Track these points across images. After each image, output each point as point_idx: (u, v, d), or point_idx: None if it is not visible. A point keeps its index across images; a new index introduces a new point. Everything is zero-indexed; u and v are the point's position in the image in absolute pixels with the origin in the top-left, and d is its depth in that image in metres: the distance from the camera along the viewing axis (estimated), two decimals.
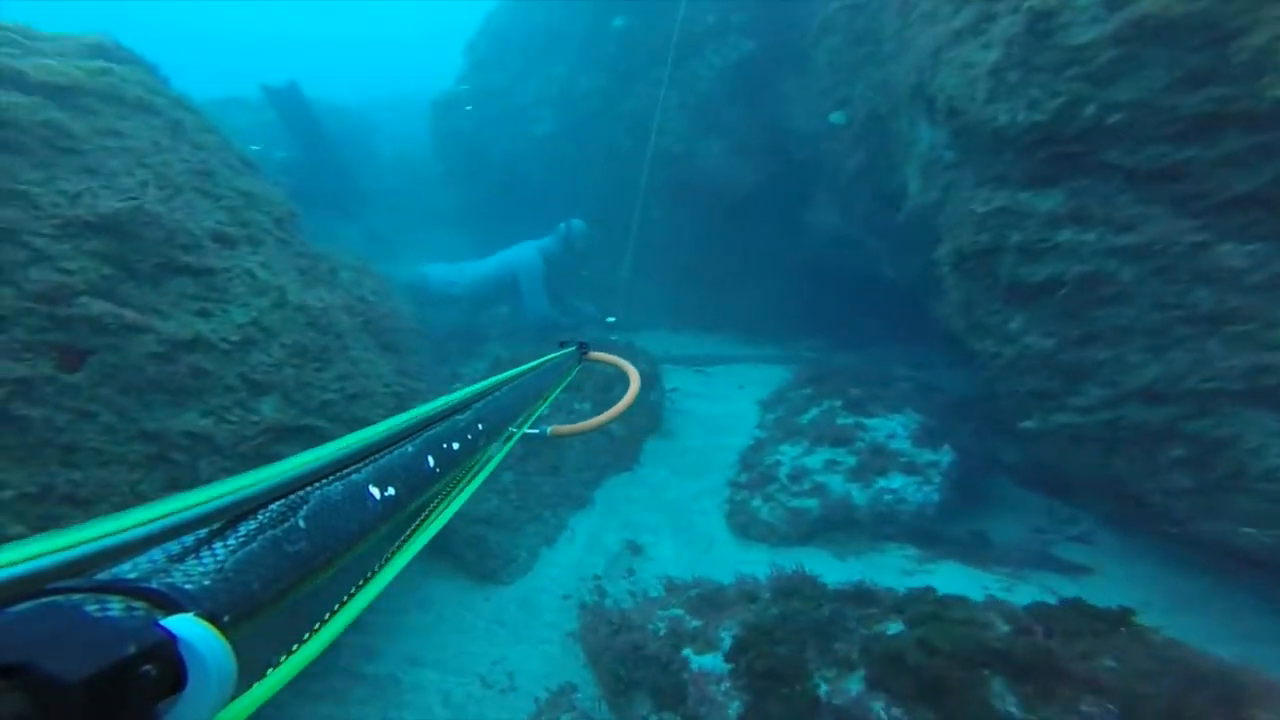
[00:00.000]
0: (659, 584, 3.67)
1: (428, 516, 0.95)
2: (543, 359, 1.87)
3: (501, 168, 8.49)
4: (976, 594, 2.77)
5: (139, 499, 2.65)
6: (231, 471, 3.00)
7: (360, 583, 0.74)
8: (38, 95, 3.38)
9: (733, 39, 7.18)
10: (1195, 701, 2.07)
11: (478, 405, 1.22)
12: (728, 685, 2.85)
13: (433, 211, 9.53)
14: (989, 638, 2.41)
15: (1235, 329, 3.04)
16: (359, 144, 10.33)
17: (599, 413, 1.94)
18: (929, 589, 2.72)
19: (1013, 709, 2.20)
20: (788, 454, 4.56)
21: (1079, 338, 3.62)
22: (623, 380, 2.12)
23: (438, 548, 4.23)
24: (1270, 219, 2.95)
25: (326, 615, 0.67)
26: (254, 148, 7.54)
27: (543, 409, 1.64)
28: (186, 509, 0.57)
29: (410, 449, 0.93)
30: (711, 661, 3.00)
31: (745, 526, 4.28)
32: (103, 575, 0.51)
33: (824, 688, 2.55)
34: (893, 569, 3.80)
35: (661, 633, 3.24)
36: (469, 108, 8.62)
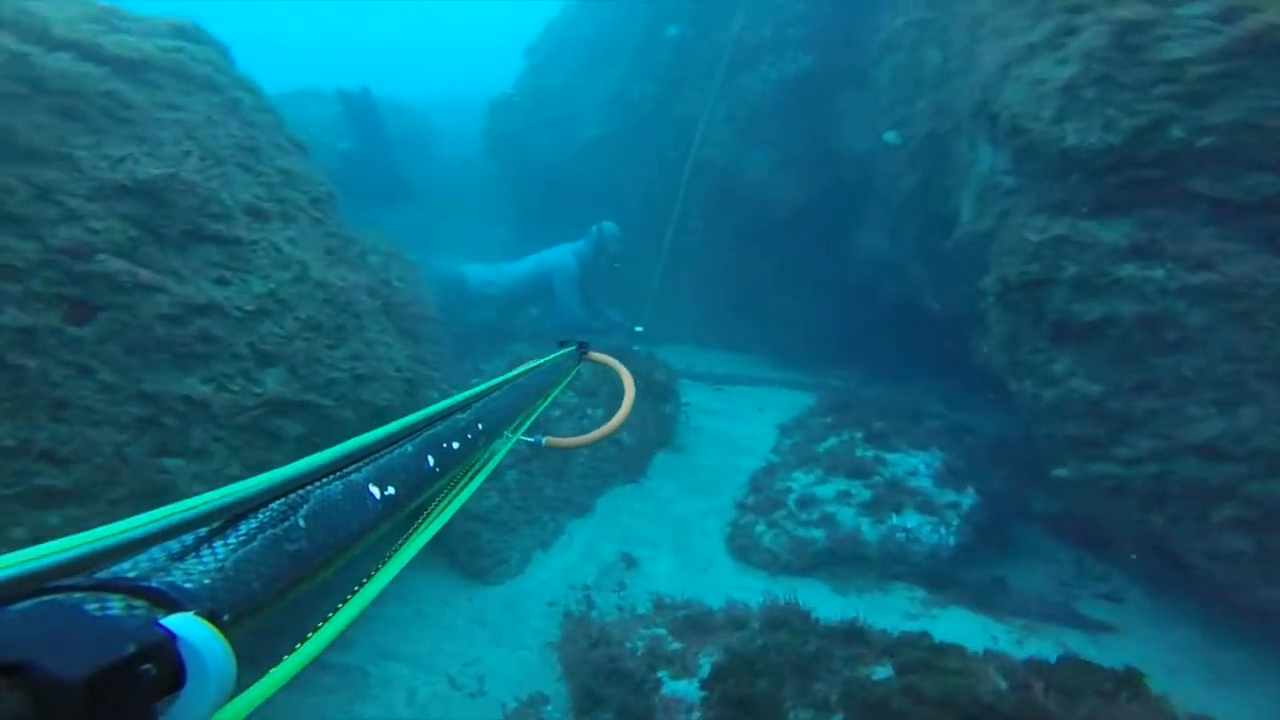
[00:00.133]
0: (649, 600, 3.52)
1: (428, 516, 0.95)
2: (543, 359, 1.86)
3: (550, 169, 8.55)
4: (983, 644, 2.54)
5: (122, 462, 2.66)
6: (224, 442, 3.03)
7: (360, 582, 0.75)
8: (108, 67, 3.52)
9: (790, 53, 7.04)
10: None
11: (478, 405, 1.21)
12: (698, 716, 2.69)
13: (481, 209, 9.68)
14: (981, 690, 2.19)
15: None
16: (418, 142, 10.63)
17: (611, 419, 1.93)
18: (924, 634, 2.50)
19: None
20: (799, 481, 4.35)
21: (1132, 385, 3.32)
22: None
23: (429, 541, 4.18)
24: None
25: (328, 614, 0.67)
26: (310, 130, 7.88)
27: (543, 408, 1.63)
28: (187, 509, 0.58)
29: (410, 448, 0.93)
30: (685, 688, 2.84)
31: (746, 551, 4.09)
32: (103, 573, 0.51)
33: None
34: (896, 611, 3.56)
35: (639, 651, 3.10)
36: (516, 97, 8.75)
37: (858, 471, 4.23)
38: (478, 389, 1.27)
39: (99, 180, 3.05)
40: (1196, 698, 2.16)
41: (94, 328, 2.73)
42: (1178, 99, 2.94)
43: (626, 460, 5.01)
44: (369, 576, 0.76)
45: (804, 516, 4.05)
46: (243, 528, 0.63)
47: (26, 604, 0.44)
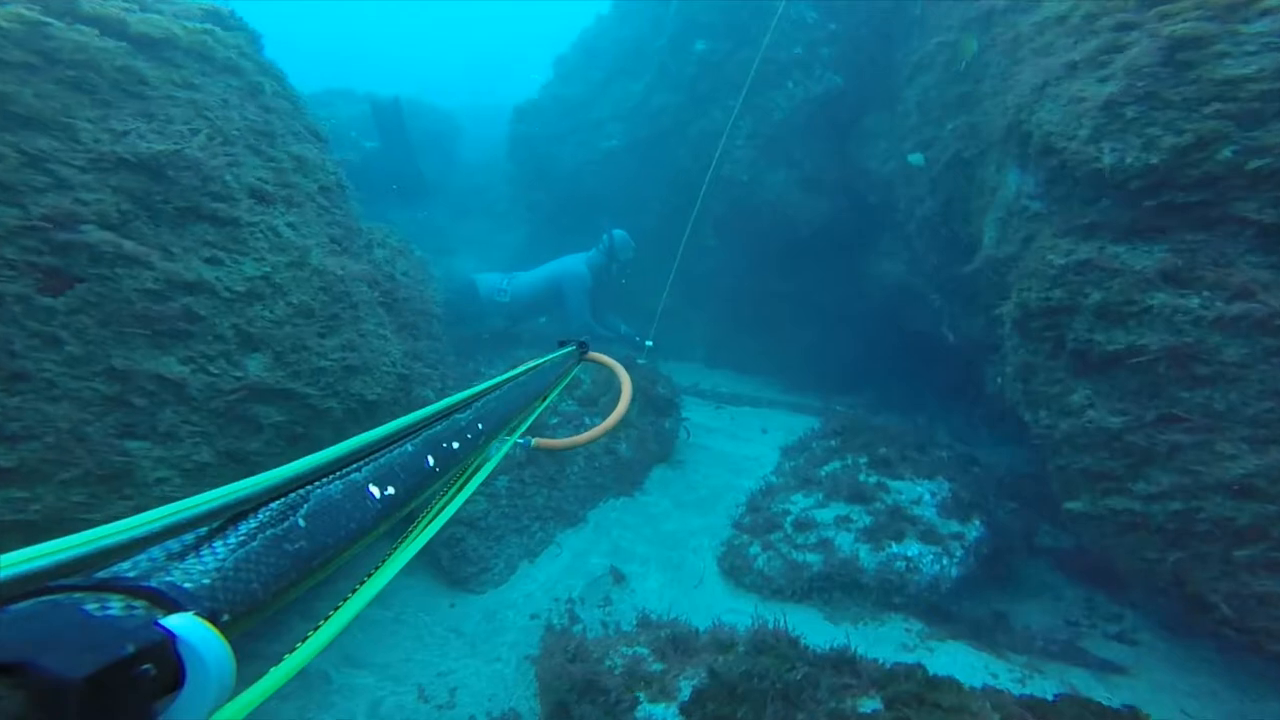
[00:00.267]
0: (635, 618, 3.36)
1: (428, 516, 0.95)
2: (543, 358, 1.85)
3: (568, 178, 8.53)
4: (983, 681, 2.35)
5: (78, 441, 2.54)
6: (195, 426, 2.93)
7: (360, 582, 0.75)
8: (128, 43, 3.51)
9: (818, 72, 6.97)
10: None
11: (478, 405, 1.21)
12: None
13: (499, 214, 9.71)
14: None
15: None
16: (444, 145, 10.81)
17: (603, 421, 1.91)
18: (918, 666, 2.32)
19: None
20: (798, 503, 4.16)
21: (1156, 419, 3.13)
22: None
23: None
24: None
25: (327, 614, 0.67)
26: (336, 126, 7.96)
27: (543, 409, 1.62)
28: (187, 509, 0.58)
29: (410, 448, 0.93)
30: (662, 712, 2.67)
31: (738, 572, 3.90)
32: (103, 573, 0.51)
33: None
34: (891, 642, 3.35)
35: (617, 670, 2.94)
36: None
37: (859, 496, 4.03)
38: (478, 388, 1.25)
39: (97, 152, 3.00)
40: None
41: (68, 299, 2.64)
42: (1231, 118, 2.79)
43: (622, 472, 4.86)
44: (369, 576, 0.75)
45: (800, 540, 3.86)
46: (242, 527, 0.63)
47: (27, 604, 0.44)
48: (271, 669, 0.56)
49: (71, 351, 2.58)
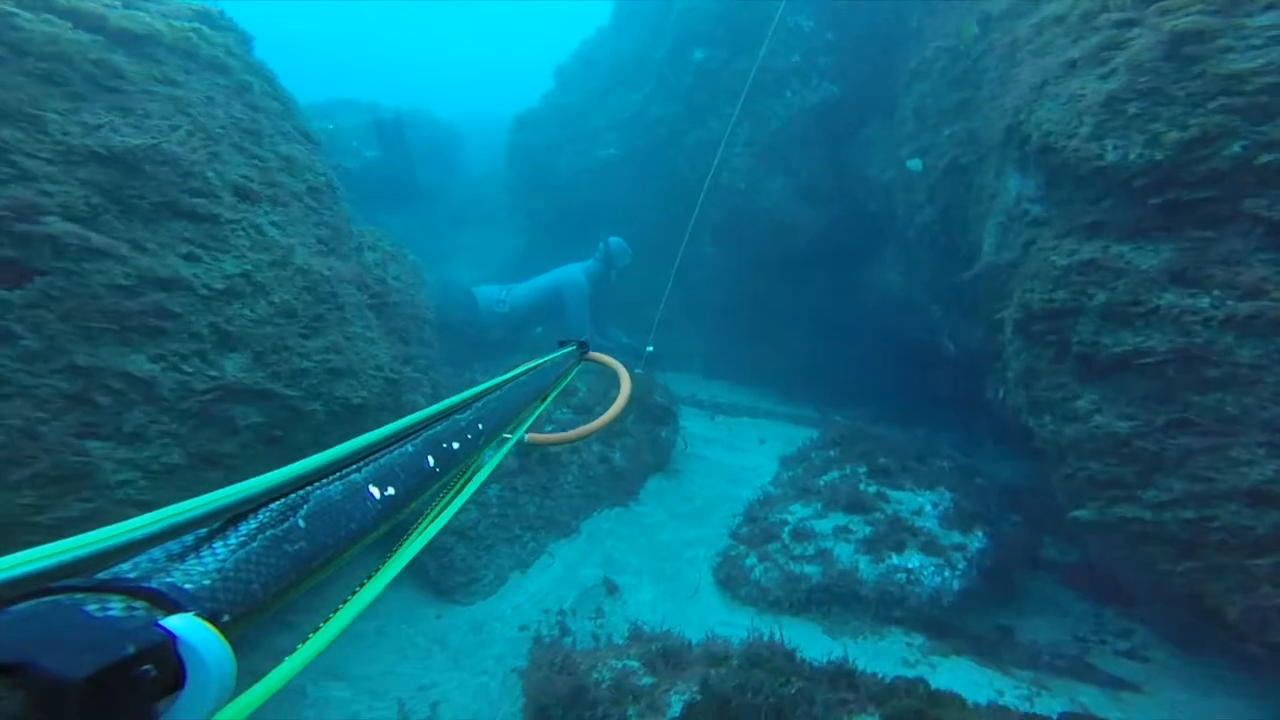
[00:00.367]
0: (627, 630, 3.23)
1: (428, 517, 0.94)
2: (543, 358, 1.83)
3: (566, 187, 8.51)
4: (987, 698, 2.22)
5: (31, 440, 2.40)
6: (164, 428, 2.80)
7: (360, 583, 0.74)
8: (105, 38, 3.44)
9: (815, 80, 6.94)
10: None
11: (478, 405, 1.20)
12: None
13: (498, 222, 9.69)
14: None
15: None
16: (444, 154, 10.84)
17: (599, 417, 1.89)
18: (919, 681, 2.18)
19: None
20: (796, 513, 4.03)
21: (1166, 424, 3.01)
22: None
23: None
24: None
25: (327, 616, 0.67)
26: (334, 132, 7.93)
27: (543, 408, 1.62)
28: (187, 509, 0.58)
29: (410, 448, 0.93)
30: None
31: (734, 584, 3.76)
32: (103, 574, 0.51)
33: None
34: (891, 657, 3.21)
35: (605, 684, 2.80)
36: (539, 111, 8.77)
37: (858, 506, 3.90)
38: (478, 388, 1.25)
39: (66, 145, 2.90)
40: None
41: (25, 291, 2.52)
42: (1238, 112, 2.71)
43: (617, 481, 4.73)
44: (370, 576, 0.75)
45: (798, 550, 3.72)
46: (242, 528, 0.63)
47: (27, 604, 0.44)
48: (273, 669, 0.55)
49: (29, 346, 2.46)
